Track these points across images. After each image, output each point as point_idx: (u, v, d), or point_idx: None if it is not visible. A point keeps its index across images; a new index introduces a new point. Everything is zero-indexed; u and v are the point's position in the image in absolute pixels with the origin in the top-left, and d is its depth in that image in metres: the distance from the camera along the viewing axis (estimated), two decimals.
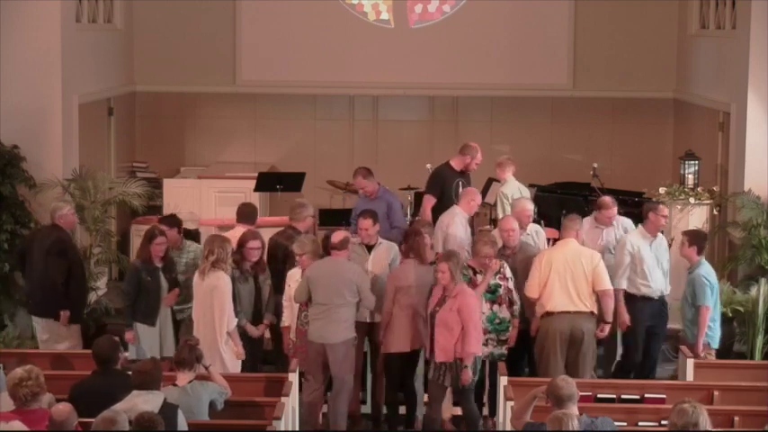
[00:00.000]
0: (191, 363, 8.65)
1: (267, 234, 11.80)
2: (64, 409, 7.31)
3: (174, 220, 11.43)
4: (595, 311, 10.75)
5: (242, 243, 10.62)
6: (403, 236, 11.14)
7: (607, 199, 11.85)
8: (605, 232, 11.69)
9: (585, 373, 10.63)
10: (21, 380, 7.54)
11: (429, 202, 12.59)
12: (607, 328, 10.87)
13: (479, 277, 10.68)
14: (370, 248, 10.93)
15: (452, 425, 10.94)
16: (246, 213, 11.64)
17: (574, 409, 7.45)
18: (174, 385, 8.54)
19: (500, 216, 12.62)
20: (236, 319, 10.25)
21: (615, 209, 11.75)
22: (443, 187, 12.64)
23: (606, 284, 10.72)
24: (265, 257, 10.93)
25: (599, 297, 10.73)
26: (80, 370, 9.63)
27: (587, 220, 11.74)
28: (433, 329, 10.10)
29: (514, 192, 13.17)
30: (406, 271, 10.50)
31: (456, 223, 11.74)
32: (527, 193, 13.33)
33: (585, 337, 10.66)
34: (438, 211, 12.36)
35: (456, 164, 12.75)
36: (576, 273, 10.69)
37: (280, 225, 12.02)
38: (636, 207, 14.60)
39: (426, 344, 10.29)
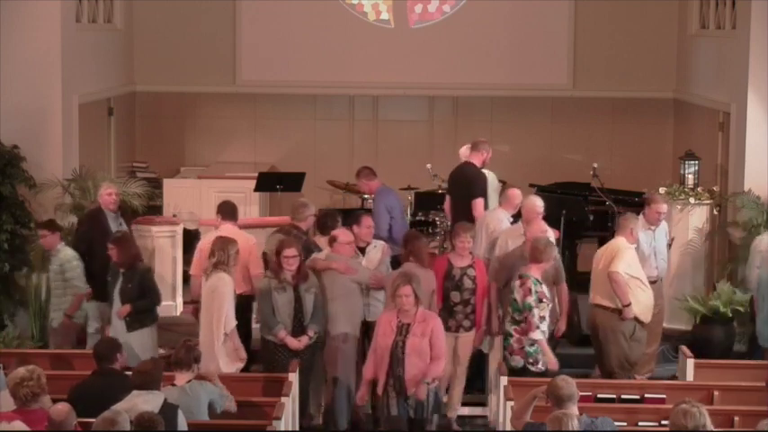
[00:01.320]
0: (188, 363, 8.67)
1: (265, 234, 11.89)
2: (62, 408, 7.32)
3: (53, 225, 11.63)
4: (618, 305, 10.69)
5: (278, 251, 10.21)
6: (403, 240, 11.10)
7: (656, 195, 11.76)
8: (656, 233, 11.58)
9: (606, 367, 10.76)
10: (22, 379, 7.56)
11: (482, 204, 12.22)
12: (626, 312, 10.66)
13: (545, 289, 10.13)
14: (362, 250, 10.96)
15: (458, 425, 10.97)
16: (229, 210, 11.59)
17: (574, 409, 7.45)
18: (173, 385, 8.56)
19: None
20: (235, 322, 10.21)
21: (665, 204, 11.66)
22: (485, 187, 12.54)
23: (612, 266, 10.65)
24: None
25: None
26: (80, 370, 9.65)
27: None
28: (397, 362, 9.33)
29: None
30: None
31: (503, 228, 11.60)
32: (494, 180, 13.35)
33: (599, 331, 10.79)
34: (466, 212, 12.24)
35: (477, 161, 12.64)
36: (601, 266, 10.82)
37: (279, 225, 12.06)
38: (636, 207, 14.63)
39: (381, 377, 9.40)
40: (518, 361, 10.05)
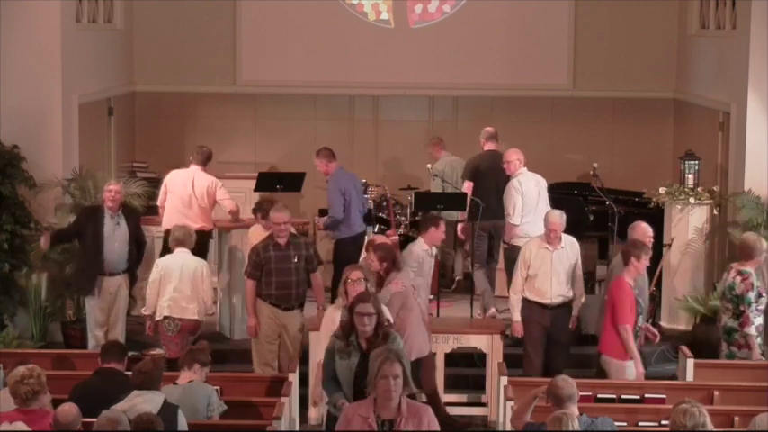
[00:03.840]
0: (189, 363, 8.73)
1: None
2: (69, 410, 7.30)
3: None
4: None
5: (352, 306, 8.40)
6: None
7: None
8: None
9: None
10: (22, 377, 7.56)
11: None
12: None
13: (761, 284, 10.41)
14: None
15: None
16: (199, 158, 12.82)
17: (574, 409, 7.46)
18: (175, 384, 8.60)
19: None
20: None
21: None
22: None
23: None
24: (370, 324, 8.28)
25: None
26: (81, 370, 9.66)
27: None
28: None
29: (446, 167, 14.21)
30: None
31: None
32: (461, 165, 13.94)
33: None
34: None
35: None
36: None
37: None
38: (636, 207, 14.63)
39: None
40: (748, 354, 10.46)
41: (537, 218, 12.10)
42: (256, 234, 11.62)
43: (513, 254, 12.29)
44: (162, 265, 11.17)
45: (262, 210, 11.79)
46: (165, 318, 11.04)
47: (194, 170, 12.78)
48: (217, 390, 8.92)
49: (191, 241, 11.29)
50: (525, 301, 11.04)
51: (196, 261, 11.23)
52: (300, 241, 11.21)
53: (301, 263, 10.96)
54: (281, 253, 10.91)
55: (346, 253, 12.76)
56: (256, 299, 10.97)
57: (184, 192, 12.62)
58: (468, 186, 13.31)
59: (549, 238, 10.97)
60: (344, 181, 13.04)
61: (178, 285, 11.02)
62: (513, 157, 12.53)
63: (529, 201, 12.36)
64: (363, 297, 8.33)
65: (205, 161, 12.85)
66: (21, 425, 7.34)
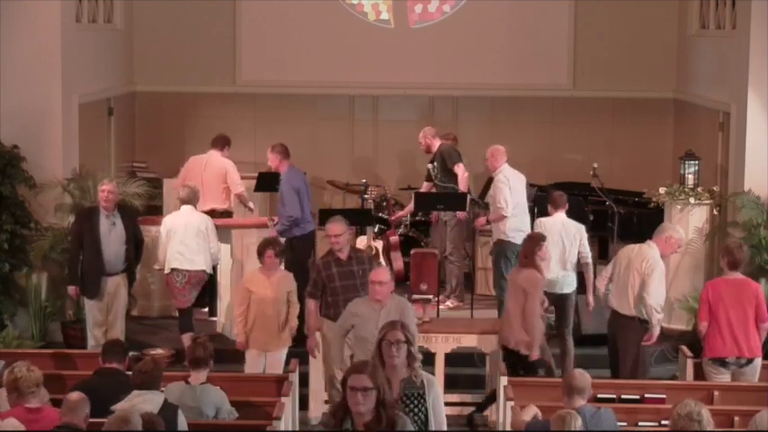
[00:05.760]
0: (206, 360, 8.73)
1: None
2: (78, 395, 7.44)
3: None
4: None
5: (344, 379, 6.43)
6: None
7: None
8: None
9: None
10: (20, 371, 7.58)
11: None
12: None
13: None
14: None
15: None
16: (218, 141, 13.95)
17: (581, 403, 7.55)
18: (187, 382, 8.60)
19: None
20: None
21: None
22: None
23: None
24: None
25: None
26: (81, 370, 9.65)
27: None
28: None
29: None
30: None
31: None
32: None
33: None
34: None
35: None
36: None
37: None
38: (636, 207, 14.63)
39: None
40: None
41: (521, 211, 12.66)
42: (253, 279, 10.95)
43: (503, 249, 12.43)
44: (168, 222, 11.92)
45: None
46: (174, 270, 11.72)
47: (210, 154, 13.80)
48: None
49: (195, 199, 12.03)
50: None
51: (199, 216, 11.95)
52: (362, 255, 10.66)
53: (366, 278, 9.78)
54: (343, 269, 10.31)
55: (300, 253, 12.56)
56: (323, 320, 10.38)
57: (198, 176, 13.47)
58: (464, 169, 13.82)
59: (672, 253, 10.96)
60: (296, 179, 12.82)
61: (184, 239, 11.73)
62: (497, 153, 12.89)
63: (515, 194, 12.67)
64: (359, 366, 6.41)
65: (221, 145, 13.84)
66: (14, 422, 7.32)
